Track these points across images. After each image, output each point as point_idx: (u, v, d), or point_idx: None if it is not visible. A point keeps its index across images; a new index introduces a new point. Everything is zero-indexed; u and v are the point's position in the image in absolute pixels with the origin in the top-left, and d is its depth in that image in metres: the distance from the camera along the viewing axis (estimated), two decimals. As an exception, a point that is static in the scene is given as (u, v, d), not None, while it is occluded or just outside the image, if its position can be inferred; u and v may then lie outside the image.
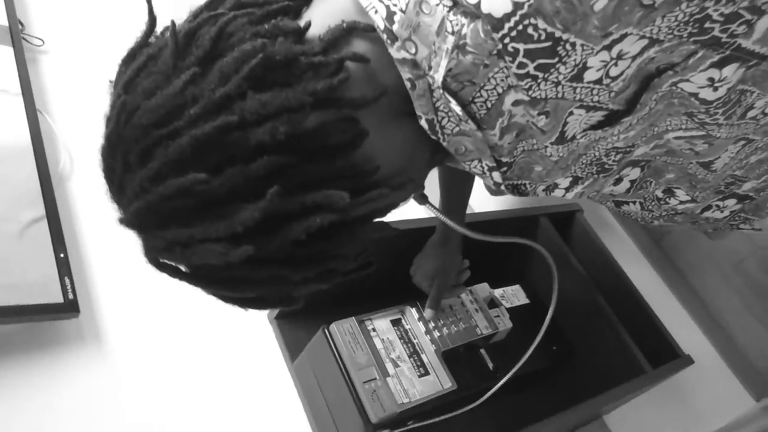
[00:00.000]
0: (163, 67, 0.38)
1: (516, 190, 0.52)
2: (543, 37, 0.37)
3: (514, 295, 1.00)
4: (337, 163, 0.39)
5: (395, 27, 0.39)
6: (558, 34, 0.37)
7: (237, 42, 0.38)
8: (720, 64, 0.42)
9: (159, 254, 0.40)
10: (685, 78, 0.43)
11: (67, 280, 0.72)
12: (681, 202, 0.62)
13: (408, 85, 0.40)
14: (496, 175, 0.47)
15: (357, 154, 0.41)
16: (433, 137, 0.43)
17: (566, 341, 1.03)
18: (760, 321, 1.36)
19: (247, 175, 0.36)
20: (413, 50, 0.39)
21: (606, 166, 0.54)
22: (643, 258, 1.45)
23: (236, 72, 0.37)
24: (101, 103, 1.04)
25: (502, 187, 0.49)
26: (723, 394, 1.27)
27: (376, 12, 0.39)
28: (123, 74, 0.40)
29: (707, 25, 0.38)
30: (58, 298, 0.70)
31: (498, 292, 0.98)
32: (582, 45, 0.38)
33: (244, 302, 0.43)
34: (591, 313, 1.01)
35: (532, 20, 0.36)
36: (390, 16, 0.39)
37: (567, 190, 0.55)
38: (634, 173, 0.58)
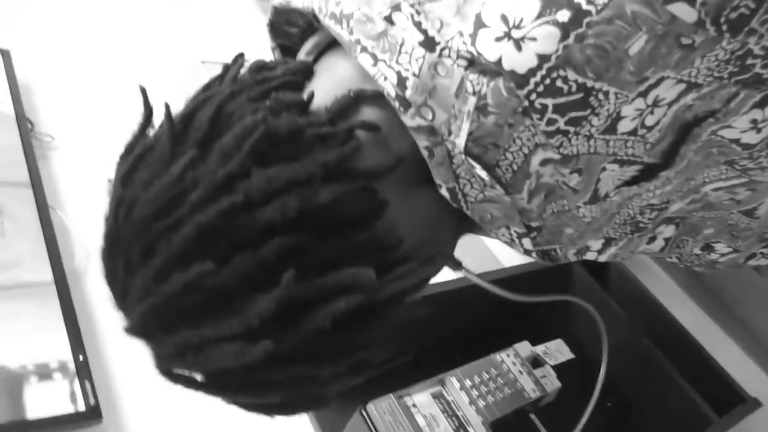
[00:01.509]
0: (161, 156, 0.36)
1: (546, 256, 0.48)
2: (574, 88, 0.34)
3: (557, 351, 0.94)
4: (358, 239, 0.36)
5: (408, 93, 0.36)
6: (590, 83, 0.34)
7: (237, 119, 0.36)
8: (762, 104, 0.39)
9: (170, 363, 0.36)
10: (726, 124, 0.40)
11: (87, 385, 0.68)
12: (722, 255, 0.57)
13: (426, 153, 0.37)
14: (527, 242, 0.43)
15: (378, 228, 0.37)
16: (456, 206, 0.40)
17: (621, 395, 0.96)
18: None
19: (259, 261, 0.33)
20: (430, 116, 0.36)
21: (641, 225, 0.50)
22: (685, 295, 1.38)
23: (238, 149, 0.34)
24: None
25: (533, 255, 0.45)
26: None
27: (385, 79, 0.36)
28: (121, 169, 0.38)
29: (749, 61, 0.35)
30: (80, 406, 0.66)
31: (540, 349, 0.92)
32: (616, 93, 0.35)
33: (270, 409, 0.39)
34: (643, 362, 0.95)
35: (561, 72, 0.33)
36: (401, 81, 0.36)
37: (600, 252, 0.51)
38: (669, 230, 0.53)
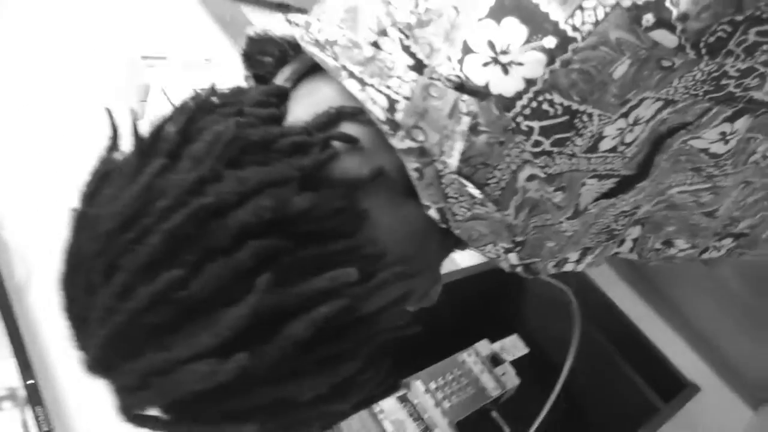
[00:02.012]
0: (127, 170, 0.34)
1: (527, 269, 0.49)
2: (559, 111, 0.35)
3: (513, 346, 0.97)
4: (337, 247, 0.35)
5: (399, 116, 0.35)
6: (575, 106, 0.35)
7: (208, 130, 0.34)
8: (732, 118, 0.41)
9: (134, 398, 0.33)
10: (696, 135, 0.42)
11: (39, 411, 0.64)
12: (681, 250, 0.60)
13: (415, 175, 0.37)
14: (513, 257, 0.44)
15: (359, 237, 0.36)
16: (443, 226, 0.40)
17: (572, 387, 1.00)
18: (739, 327, 1.37)
19: (232, 268, 0.31)
20: (421, 137, 0.36)
21: (615, 232, 0.52)
22: (625, 284, 1.45)
23: (209, 154, 0.33)
24: (53, 208, 0.97)
25: (518, 269, 0.46)
26: (722, 412, 1.26)
27: (374, 103, 0.36)
28: (84, 190, 0.35)
29: (723, 82, 0.37)
30: (32, 434, 0.62)
31: (497, 347, 0.94)
32: (599, 115, 0.36)
33: None
34: (593, 353, 0.98)
35: (547, 96, 0.34)
36: (392, 105, 0.35)
37: (577, 262, 0.52)
38: (636, 231, 0.56)
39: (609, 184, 0.43)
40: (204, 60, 1.20)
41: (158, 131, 0.35)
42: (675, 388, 0.95)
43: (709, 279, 1.34)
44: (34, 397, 0.65)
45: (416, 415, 0.77)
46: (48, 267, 0.85)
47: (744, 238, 0.62)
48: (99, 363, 0.33)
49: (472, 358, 0.87)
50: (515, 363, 0.93)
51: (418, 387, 0.80)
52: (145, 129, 0.36)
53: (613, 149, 0.39)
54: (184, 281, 0.30)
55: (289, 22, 0.39)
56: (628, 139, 0.39)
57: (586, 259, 0.53)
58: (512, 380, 0.88)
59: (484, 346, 0.90)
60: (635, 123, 0.38)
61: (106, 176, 0.35)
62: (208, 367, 0.30)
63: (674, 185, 0.48)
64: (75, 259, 0.34)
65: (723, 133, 0.42)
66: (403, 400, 0.78)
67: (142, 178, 0.32)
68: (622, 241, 0.56)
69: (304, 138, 0.36)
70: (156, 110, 1.05)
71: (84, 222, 0.34)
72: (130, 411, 0.34)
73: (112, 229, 0.32)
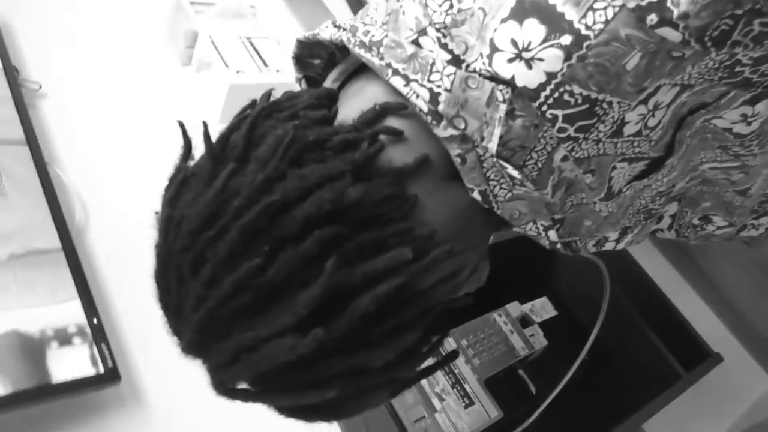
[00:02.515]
0: (203, 175, 0.38)
1: (568, 247, 0.51)
2: (580, 101, 0.38)
3: (542, 309, 1.00)
4: (392, 230, 0.38)
5: (441, 107, 0.39)
6: (594, 95, 0.38)
7: (270, 134, 0.38)
8: (752, 101, 0.43)
9: (226, 373, 0.38)
10: (717, 115, 0.44)
11: (104, 347, 0.70)
12: (719, 228, 0.62)
13: (458, 160, 0.40)
14: (552, 234, 0.46)
15: (411, 220, 0.40)
16: (486, 206, 0.42)
17: (597, 349, 1.03)
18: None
19: (302, 255, 0.35)
20: (462, 125, 0.39)
21: (653, 212, 0.54)
22: (656, 250, 1.46)
23: (273, 156, 0.37)
24: (106, 147, 1.00)
25: (558, 246, 0.49)
26: (743, 381, 1.29)
27: (417, 97, 0.39)
28: (167, 195, 0.39)
29: (737, 69, 0.39)
30: (99, 368, 0.68)
31: (527, 308, 0.98)
32: (619, 102, 0.38)
33: (329, 412, 0.41)
34: (617, 317, 1.01)
35: (567, 87, 0.37)
36: (434, 97, 0.39)
37: (617, 241, 0.55)
38: (672, 207, 0.59)
39: (640, 166, 0.45)
40: (249, 7, 1.20)
41: (226, 138, 0.39)
42: (698, 357, 0.98)
43: (744, 251, 1.34)
44: (99, 334, 0.70)
45: (447, 369, 0.82)
46: (103, 209, 0.90)
47: None
48: (194, 345, 0.37)
49: (502, 318, 0.91)
50: (544, 325, 0.96)
51: (449, 343, 0.84)
52: (214, 133, 0.41)
53: (638, 133, 0.42)
54: (261, 269, 0.34)
55: (337, 26, 0.43)
56: (651, 123, 0.42)
57: (626, 238, 0.55)
58: (540, 341, 0.92)
59: (514, 308, 0.94)
60: (656, 108, 0.41)
61: (185, 181, 0.39)
62: (289, 342, 0.34)
63: (705, 161, 0.51)
64: (165, 255, 0.38)
65: (744, 115, 0.44)
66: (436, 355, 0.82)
67: (217, 182, 0.36)
68: (660, 218, 0.59)
69: (354, 135, 0.39)
70: (202, 55, 1.07)
71: (170, 223, 0.38)
72: (224, 386, 0.38)
73: (196, 227, 0.36)
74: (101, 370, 0.68)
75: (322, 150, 0.38)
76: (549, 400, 0.80)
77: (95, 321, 0.71)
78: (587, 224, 0.49)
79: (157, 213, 0.40)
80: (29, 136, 0.83)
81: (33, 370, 0.64)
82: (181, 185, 0.39)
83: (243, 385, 0.39)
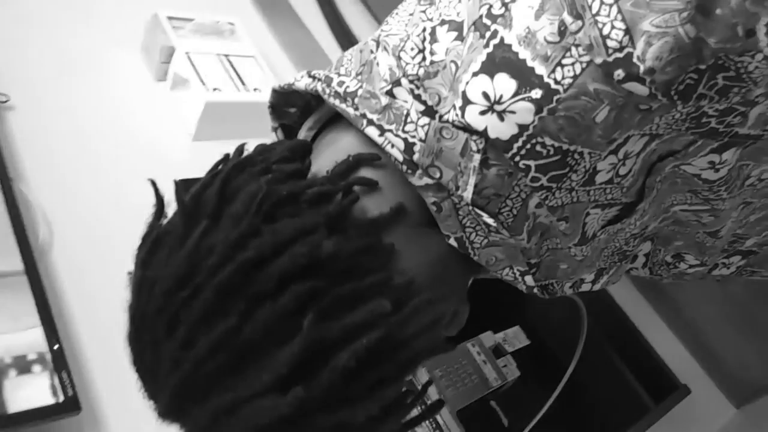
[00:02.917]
0: (176, 234, 0.38)
1: (545, 290, 0.52)
2: (552, 152, 0.38)
3: (515, 338, 1.00)
4: (369, 280, 0.38)
5: (416, 157, 0.39)
6: (565, 147, 0.38)
7: (242, 190, 0.39)
8: (720, 150, 0.44)
9: None
10: (686, 162, 0.45)
11: (65, 375, 0.67)
12: (690, 266, 0.63)
13: (434, 208, 0.40)
14: (529, 279, 0.47)
15: (389, 269, 0.40)
16: (463, 252, 0.43)
17: (569, 381, 1.03)
18: (737, 330, 1.40)
19: (278, 311, 0.35)
20: (437, 174, 0.39)
21: (627, 253, 0.56)
22: (626, 281, 1.47)
23: (246, 212, 0.37)
24: (74, 163, 0.97)
25: (535, 290, 0.49)
26: (709, 412, 1.31)
27: (392, 147, 0.39)
28: (140, 255, 0.39)
29: (704, 120, 0.40)
30: (58, 397, 0.65)
31: (500, 337, 0.97)
32: (589, 153, 0.39)
33: None
34: (592, 351, 1.02)
35: (539, 138, 0.38)
36: (409, 147, 0.39)
37: (593, 283, 0.56)
38: (646, 246, 0.60)
39: (613, 212, 0.46)
40: (227, 24, 1.19)
41: (199, 195, 0.39)
42: (667, 390, 0.99)
43: (715, 285, 1.37)
44: (60, 362, 0.67)
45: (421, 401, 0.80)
46: (68, 227, 0.87)
47: (753, 256, 0.64)
48: (171, 410, 0.37)
49: (476, 348, 0.90)
50: (516, 355, 0.96)
51: (423, 373, 0.83)
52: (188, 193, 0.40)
53: (610, 181, 0.43)
54: (237, 328, 0.34)
55: (312, 76, 0.43)
56: (623, 171, 0.43)
57: (601, 280, 0.55)
58: (513, 372, 0.91)
59: (488, 338, 0.93)
60: (626, 157, 0.42)
61: (158, 241, 0.39)
62: (269, 402, 0.34)
63: (676, 203, 0.52)
64: (139, 318, 0.38)
65: (712, 162, 0.45)
66: (409, 386, 0.81)
67: (191, 241, 0.36)
68: (635, 257, 0.59)
69: (328, 187, 0.40)
70: (178, 71, 1.05)
71: (143, 284, 0.38)
72: None
73: (169, 289, 0.36)
74: (61, 398, 0.65)
75: (296, 204, 0.38)
76: (523, 432, 0.80)
77: (56, 347, 0.68)
78: (563, 267, 0.50)
79: (129, 273, 0.39)
80: (-6, 150, 0.80)
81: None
82: (154, 245, 0.39)
83: None
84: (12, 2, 1.04)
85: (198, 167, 0.45)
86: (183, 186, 0.41)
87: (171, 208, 0.41)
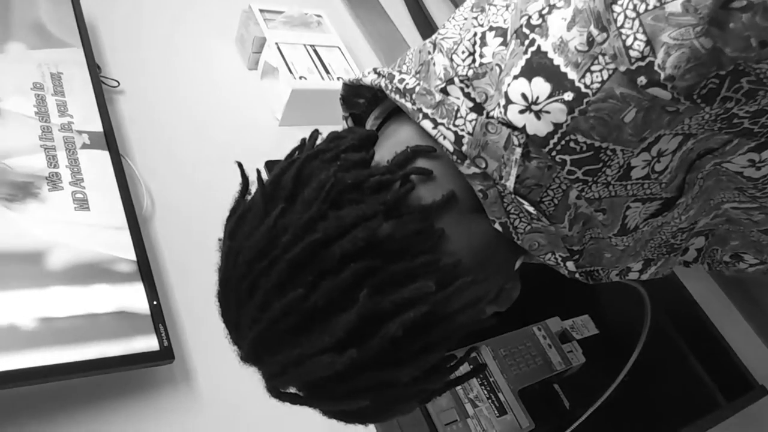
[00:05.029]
0: (257, 212, 0.44)
1: (590, 276, 0.54)
2: (585, 148, 0.41)
3: (583, 326, 1.00)
4: (420, 261, 0.43)
5: (464, 148, 0.43)
6: (597, 144, 0.41)
7: (314, 176, 0.44)
8: (758, 149, 0.44)
9: (277, 381, 0.44)
10: (726, 160, 0.46)
11: (161, 328, 0.75)
12: (750, 265, 0.63)
13: (480, 195, 0.44)
14: (570, 265, 0.49)
15: (438, 252, 0.44)
16: (507, 237, 0.46)
17: (636, 370, 1.03)
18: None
19: (339, 285, 0.40)
20: (483, 165, 0.43)
21: (675, 246, 0.57)
22: (705, 275, 1.42)
23: (316, 198, 0.42)
24: (174, 143, 1.06)
25: (577, 275, 0.51)
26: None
27: (444, 138, 0.43)
28: (227, 227, 0.46)
29: (735, 121, 0.41)
30: (154, 346, 0.73)
31: (567, 324, 0.98)
32: (622, 150, 0.42)
33: (363, 416, 0.46)
34: (660, 340, 1.00)
35: (572, 136, 0.41)
36: (458, 139, 0.43)
37: (641, 272, 0.57)
38: (699, 242, 0.61)
39: (654, 205, 0.49)
40: (315, 16, 1.25)
41: (278, 179, 0.45)
42: (741, 388, 0.96)
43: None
44: (157, 316, 0.76)
45: (483, 377, 0.83)
46: (168, 201, 0.95)
47: None
48: (250, 356, 0.44)
49: (541, 332, 0.92)
50: (583, 342, 0.96)
51: (487, 352, 0.86)
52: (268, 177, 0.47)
53: (647, 177, 0.45)
54: (305, 296, 0.40)
55: (377, 73, 0.48)
56: (658, 168, 0.45)
57: (650, 269, 0.57)
58: (578, 358, 0.92)
59: (554, 323, 0.95)
60: (660, 155, 0.44)
61: (243, 216, 0.45)
62: (328, 359, 0.39)
63: (726, 201, 0.53)
64: (226, 280, 0.45)
65: (752, 161, 0.46)
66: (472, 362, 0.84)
67: (269, 220, 0.42)
68: (686, 250, 0.60)
69: (387, 177, 0.44)
70: (268, 60, 1.13)
71: (230, 253, 0.44)
72: (276, 390, 0.45)
73: (250, 259, 0.42)
74: (157, 348, 0.73)
75: (359, 191, 0.43)
76: (585, 416, 0.81)
77: (155, 303, 0.76)
78: (607, 256, 0.52)
79: (219, 240, 0.46)
80: (107, 129, 0.90)
81: (94, 346, 0.69)
82: (240, 219, 0.45)
83: (292, 390, 0.45)
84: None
85: (284, 150, 0.50)
86: (268, 167, 0.46)
87: (254, 186, 0.47)
